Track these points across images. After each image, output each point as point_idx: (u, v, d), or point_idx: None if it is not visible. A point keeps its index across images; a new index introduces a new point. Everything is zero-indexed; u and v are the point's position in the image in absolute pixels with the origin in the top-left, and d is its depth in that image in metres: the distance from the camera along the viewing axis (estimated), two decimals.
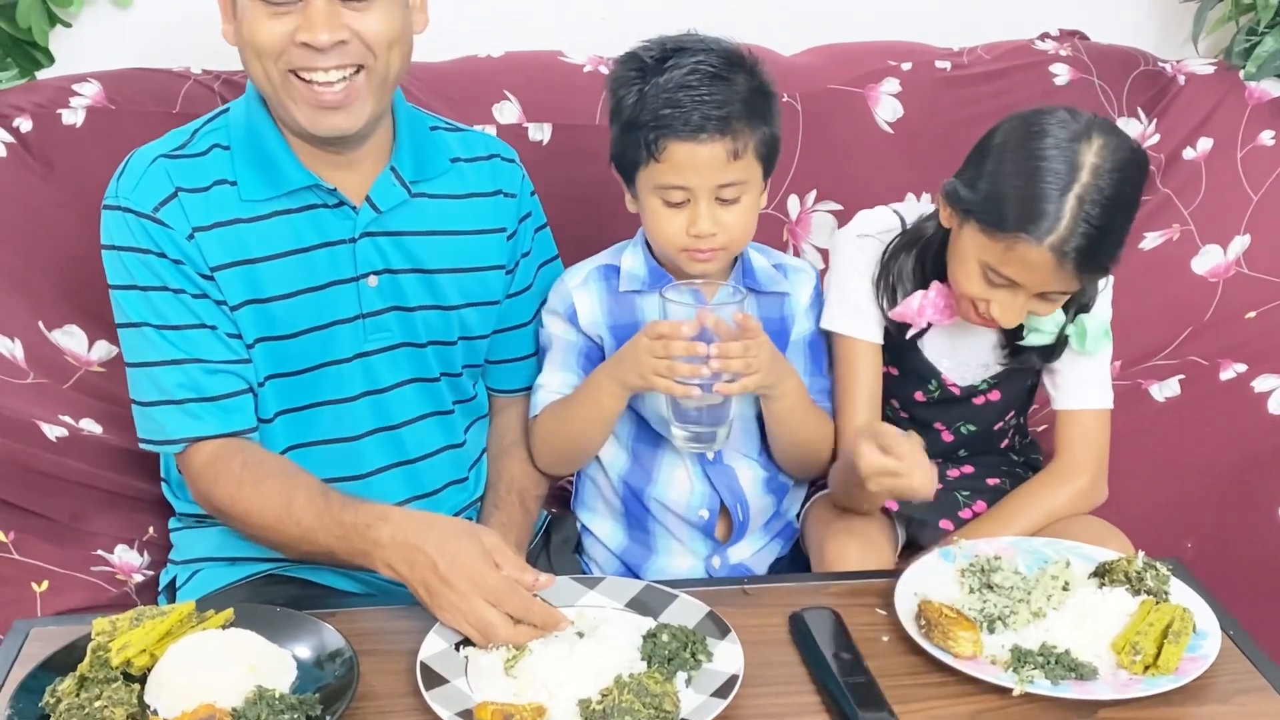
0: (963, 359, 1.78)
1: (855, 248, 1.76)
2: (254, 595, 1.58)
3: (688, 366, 1.52)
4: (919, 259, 1.71)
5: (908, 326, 1.73)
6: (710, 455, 1.74)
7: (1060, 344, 1.72)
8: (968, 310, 1.65)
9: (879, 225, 1.77)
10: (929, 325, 1.72)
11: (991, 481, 1.85)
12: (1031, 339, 1.70)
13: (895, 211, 1.78)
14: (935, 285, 1.68)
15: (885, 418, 1.79)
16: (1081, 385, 1.75)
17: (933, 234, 1.70)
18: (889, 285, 1.73)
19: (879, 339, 1.75)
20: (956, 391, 1.78)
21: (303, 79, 1.50)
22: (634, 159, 1.61)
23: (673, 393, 1.55)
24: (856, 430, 1.63)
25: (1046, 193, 1.51)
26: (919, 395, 1.80)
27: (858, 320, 1.74)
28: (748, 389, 1.56)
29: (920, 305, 1.69)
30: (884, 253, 1.73)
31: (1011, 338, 1.73)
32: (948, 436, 1.84)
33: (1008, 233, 1.53)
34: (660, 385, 1.55)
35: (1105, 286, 1.75)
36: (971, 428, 1.83)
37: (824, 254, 2.23)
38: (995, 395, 1.80)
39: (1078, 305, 1.71)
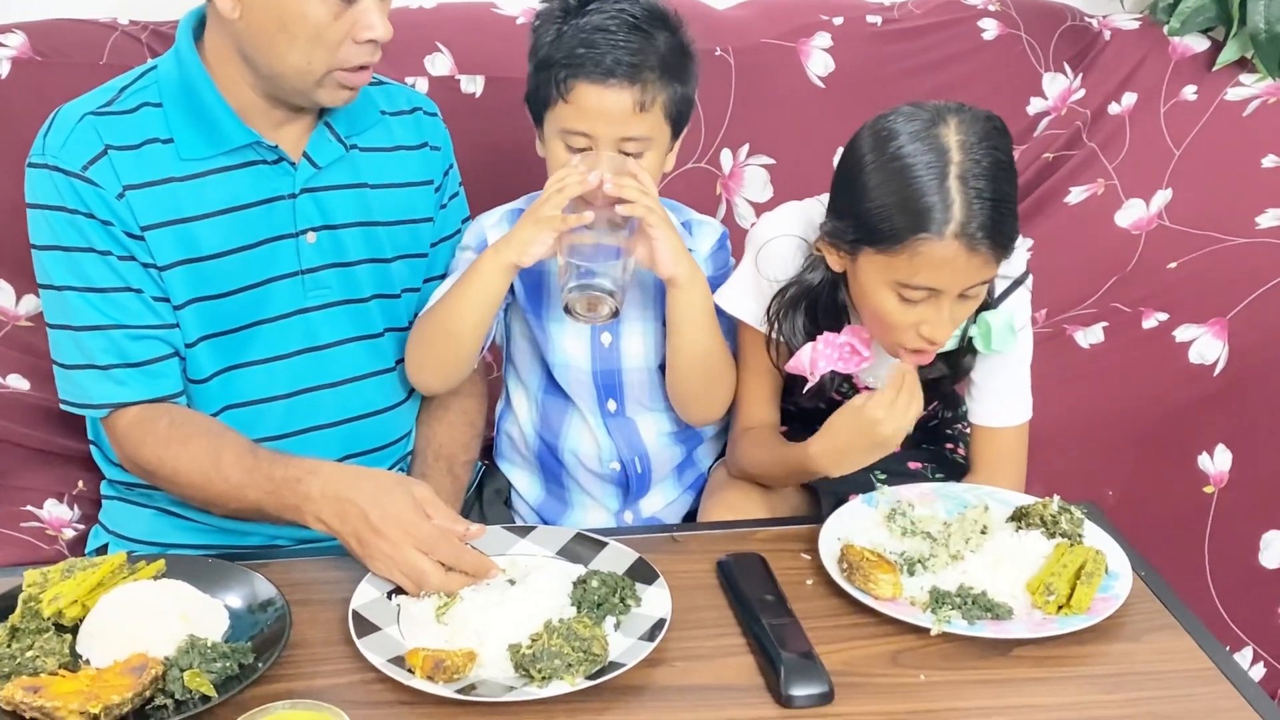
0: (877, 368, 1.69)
1: (775, 254, 1.66)
2: None
3: (579, 186, 1.51)
4: (809, 313, 1.63)
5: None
6: (604, 319, 1.55)
7: (966, 350, 1.63)
8: (896, 346, 1.55)
9: (789, 228, 1.68)
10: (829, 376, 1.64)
11: (913, 466, 1.79)
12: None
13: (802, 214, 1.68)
14: (824, 336, 1.60)
15: (792, 407, 1.76)
16: (998, 400, 1.67)
17: (818, 283, 1.62)
18: (780, 341, 1.65)
19: None
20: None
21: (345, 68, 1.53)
22: (544, 98, 1.60)
23: (562, 201, 1.51)
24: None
25: (926, 185, 1.43)
26: (835, 395, 1.71)
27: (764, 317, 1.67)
28: (646, 214, 1.52)
29: (812, 358, 1.59)
30: (768, 310, 1.65)
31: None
32: None
33: (906, 240, 1.44)
34: (553, 201, 1.51)
35: (1023, 285, 1.65)
36: None
37: (757, 208, 2.25)
38: None
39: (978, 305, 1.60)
